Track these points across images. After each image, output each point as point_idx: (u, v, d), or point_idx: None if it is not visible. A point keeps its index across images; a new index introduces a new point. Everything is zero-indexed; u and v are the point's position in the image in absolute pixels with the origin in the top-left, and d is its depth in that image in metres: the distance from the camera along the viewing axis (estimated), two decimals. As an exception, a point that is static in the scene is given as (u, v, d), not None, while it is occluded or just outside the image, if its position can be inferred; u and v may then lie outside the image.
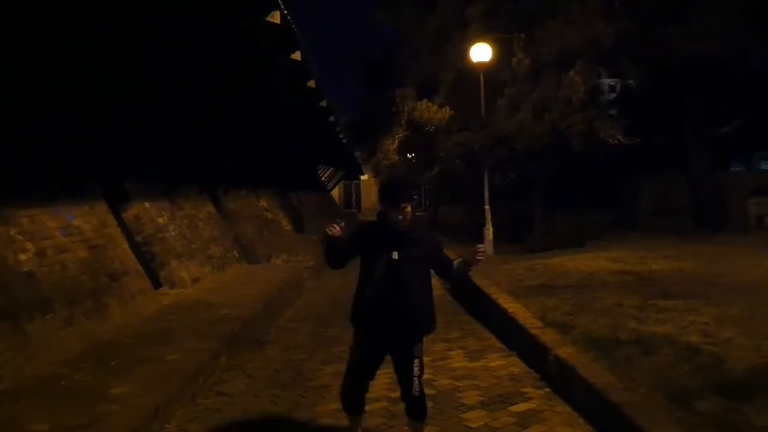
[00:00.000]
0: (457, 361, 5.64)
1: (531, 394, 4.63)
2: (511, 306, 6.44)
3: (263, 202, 16.30)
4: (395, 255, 3.31)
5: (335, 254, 3.47)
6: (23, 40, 5.99)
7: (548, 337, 5.17)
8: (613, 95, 21.72)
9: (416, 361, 3.41)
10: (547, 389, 4.70)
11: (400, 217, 3.30)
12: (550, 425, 4.03)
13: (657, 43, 12.32)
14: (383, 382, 4.91)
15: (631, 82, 17.81)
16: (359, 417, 3.68)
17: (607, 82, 23.44)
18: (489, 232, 13.67)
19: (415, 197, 3.48)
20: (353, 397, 3.58)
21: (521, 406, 4.39)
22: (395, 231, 3.34)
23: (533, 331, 5.40)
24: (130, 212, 8.21)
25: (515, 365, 5.42)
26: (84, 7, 6.18)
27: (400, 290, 3.31)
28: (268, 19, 6.64)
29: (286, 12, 6.62)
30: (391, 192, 3.37)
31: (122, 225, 7.84)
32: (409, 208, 3.33)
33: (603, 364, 4.36)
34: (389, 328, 3.38)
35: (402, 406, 3.76)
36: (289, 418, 4.44)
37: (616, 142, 14.23)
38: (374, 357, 3.53)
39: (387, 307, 3.33)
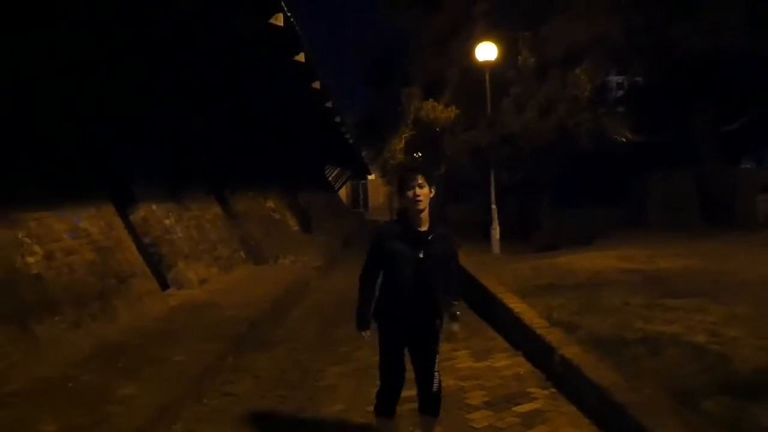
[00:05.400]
0: (463, 361, 5.63)
1: (536, 394, 4.62)
2: (517, 305, 6.42)
3: (270, 203, 16.33)
4: (420, 254, 3.26)
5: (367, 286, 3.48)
6: (28, 41, 6.04)
7: (554, 336, 5.15)
8: (621, 92, 21.57)
9: (437, 357, 3.44)
10: (553, 389, 4.68)
11: (417, 194, 3.19)
12: (554, 425, 4.02)
13: (665, 38, 12.21)
14: (388, 382, 4.91)
15: (639, 79, 17.70)
16: (390, 422, 3.57)
17: (614, 79, 23.26)
18: (496, 231, 13.63)
19: (423, 173, 3.29)
20: (390, 396, 3.49)
21: (526, 407, 4.38)
22: (416, 230, 3.28)
23: (539, 331, 5.38)
24: (137, 214, 8.26)
25: (521, 365, 5.41)
26: (90, 9, 6.23)
27: (424, 289, 3.30)
28: (272, 21, 6.66)
29: (289, 14, 6.64)
30: (402, 177, 3.32)
31: (129, 227, 7.89)
32: (425, 188, 3.21)
33: (609, 364, 4.34)
34: (411, 326, 3.38)
35: (407, 406, 3.76)
36: (295, 419, 4.46)
37: (624, 139, 14.15)
38: (401, 351, 3.48)
39: (411, 306, 3.33)
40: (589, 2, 12.70)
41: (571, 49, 13.19)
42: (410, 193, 3.21)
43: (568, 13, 12.96)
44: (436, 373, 3.42)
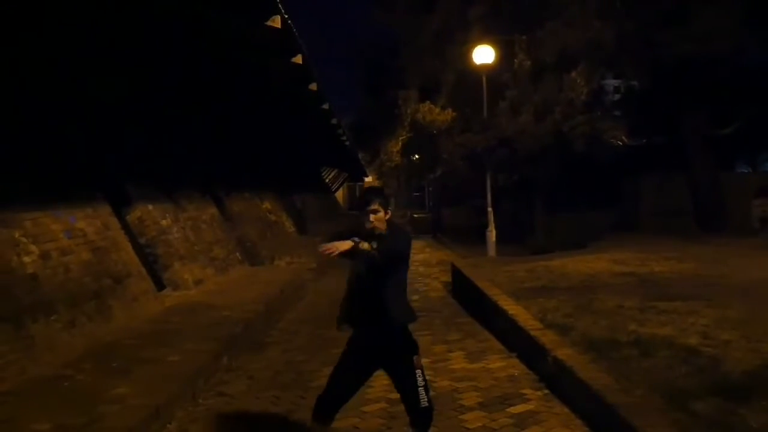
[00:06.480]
0: (457, 363, 5.66)
1: (530, 396, 4.65)
2: (511, 307, 6.45)
3: (266, 204, 16.34)
4: (373, 246, 3.18)
5: None
6: (25, 43, 6.05)
7: (548, 338, 5.18)
8: (617, 96, 21.66)
9: (418, 371, 3.30)
10: (546, 391, 4.72)
11: (370, 220, 3.27)
12: (547, 426, 4.05)
13: (656, 43, 12.30)
14: (382, 383, 4.91)
15: (635, 83, 17.79)
16: (325, 429, 3.49)
17: (611, 83, 23.35)
18: (492, 234, 13.68)
19: (379, 198, 3.34)
20: (327, 402, 3.46)
21: (519, 408, 4.41)
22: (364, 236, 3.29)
23: (533, 333, 5.41)
24: (134, 215, 8.26)
25: (515, 367, 5.44)
26: (88, 11, 6.24)
27: (372, 296, 3.27)
28: (269, 23, 6.69)
29: (286, 17, 6.67)
30: (359, 203, 3.40)
31: (125, 227, 7.89)
32: (380, 213, 3.27)
33: (601, 366, 4.37)
34: (369, 335, 3.35)
35: (401, 407, 3.77)
36: (289, 419, 4.47)
37: (620, 143, 14.24)
38: (361, 373, 3.45)
39: (362, 314, 3.33)
40: (582, 7, 12.78)
41: (566, 53, 13.28)
42: (366, 221, 3.29)
43: (562, 18, 13.04)
44: (420, 389, 3.26)
